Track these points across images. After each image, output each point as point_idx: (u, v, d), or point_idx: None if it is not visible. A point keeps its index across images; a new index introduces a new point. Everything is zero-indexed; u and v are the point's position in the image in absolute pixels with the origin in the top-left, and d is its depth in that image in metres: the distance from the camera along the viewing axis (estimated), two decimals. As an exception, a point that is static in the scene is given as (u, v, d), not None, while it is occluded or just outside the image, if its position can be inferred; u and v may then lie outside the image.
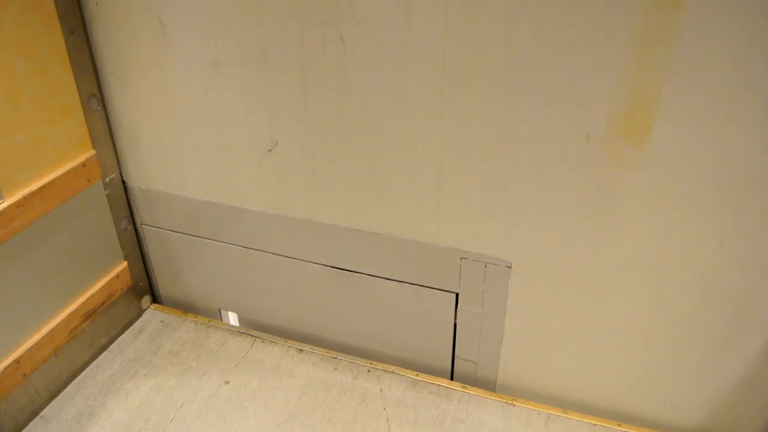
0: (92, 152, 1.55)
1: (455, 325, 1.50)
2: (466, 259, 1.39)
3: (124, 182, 1.67)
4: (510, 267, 1.36)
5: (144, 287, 1.83)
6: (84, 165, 1.52)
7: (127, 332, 1.75)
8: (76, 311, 1.56)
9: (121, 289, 1.72)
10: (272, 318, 1.74)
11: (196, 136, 1.51)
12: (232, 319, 1.84)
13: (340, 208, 1.46)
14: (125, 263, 1.73)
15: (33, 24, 1.33)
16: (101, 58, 1.49)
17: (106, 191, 1.62)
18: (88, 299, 1.60)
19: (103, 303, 1.65)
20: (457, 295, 1.45)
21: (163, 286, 1.86)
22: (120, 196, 1.67)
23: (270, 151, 1.43)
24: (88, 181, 1.54)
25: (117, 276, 1.70)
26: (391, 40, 1.20)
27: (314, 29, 1.23)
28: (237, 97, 1.40)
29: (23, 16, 1.30)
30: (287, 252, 1.59)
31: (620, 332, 1.36)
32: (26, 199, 1.37)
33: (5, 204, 1.32)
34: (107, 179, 1.61)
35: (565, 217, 1.26)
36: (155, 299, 1.90)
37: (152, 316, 1.81)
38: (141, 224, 1.74)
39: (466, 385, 1.54)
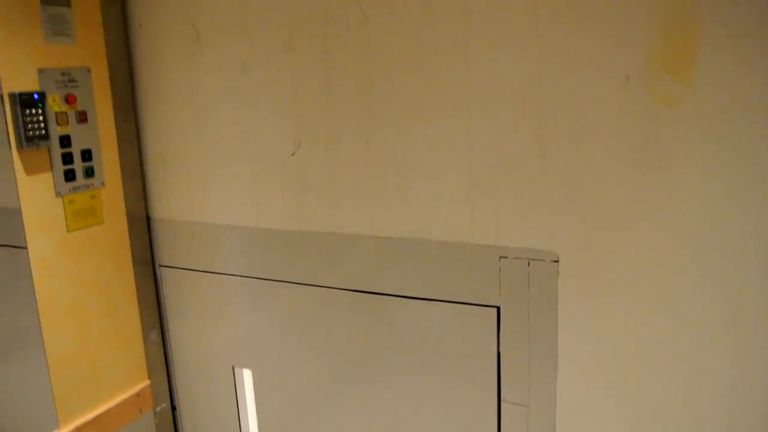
0: (147, 382, 1.63)
1: (498, 355, 1.27)
2: (506, 257, 1.21)
3: (148, 217, 1.66)
4: (557, 261, 1.17)
5: None
6: (138, 395, 1.59)
7: None
8: None
9: None
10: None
11: (221, 150, 1.51)
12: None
13: (365, 213, 1.35)
14: (167, 499, 1.70)
15: (109, 267, 1.52)
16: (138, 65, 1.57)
17: (156, 420, 1.66)
18: None
19: None
20: (498, 309, 1.25)
21: None
22: (168, 423, 1.71)
23: (293, 154, 1.39)
24: (140, 411, 1.60)
25: None
26: (411, 17, 1.20)
27: (338, 10, 1.27)
28: (262, 97, 1.41)
29: (102, 260, 1.50)
30: (309, 279, 1.46)
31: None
32: (79, 429, 1.42)
33: (59, 434, 1.38)
34: (158, 409, 1.67)
35: (612, 178, 1.10)
36: None
37: None
38: (159, 265, 1.68)
39: None
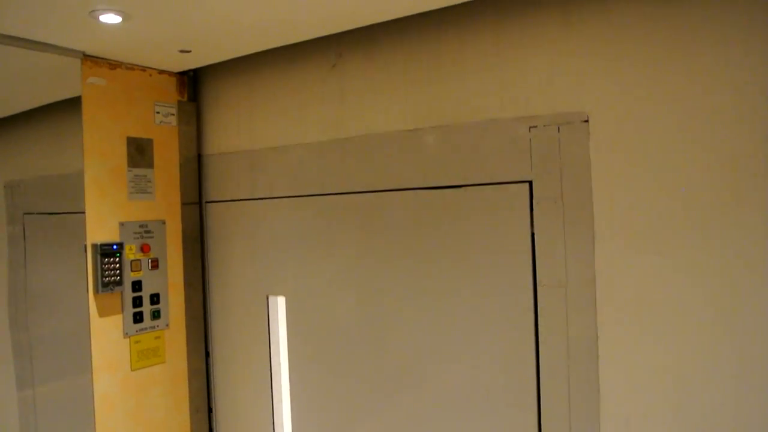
0: None
1: (533, 236, 1.19)
2: (536, 127, 1.18)
3: (200, 155, 1.73)
4: (587, 121, 1.12)
5: None
6: None
7: None
8: None
9: None
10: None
11: (267, 73, 1.58)
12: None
13: (399, 108, 1.36)
14: None
15: (166, 405, 1.59)
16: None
17: None
18: None
19: None
20: (530, 184, 1.19)
21: None
22: None
23: (334, 66, 1.44)
24: None
25: None
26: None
27: None
28: (305, 22, 1.41)
29: (161, 399, 1.57)
30: (346, 187, 1.46)
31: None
32: None
33: None
34: None
35: (637, 26, 1.06)
36: None
37: None
38: (206, 202, 1.73)
39: None
